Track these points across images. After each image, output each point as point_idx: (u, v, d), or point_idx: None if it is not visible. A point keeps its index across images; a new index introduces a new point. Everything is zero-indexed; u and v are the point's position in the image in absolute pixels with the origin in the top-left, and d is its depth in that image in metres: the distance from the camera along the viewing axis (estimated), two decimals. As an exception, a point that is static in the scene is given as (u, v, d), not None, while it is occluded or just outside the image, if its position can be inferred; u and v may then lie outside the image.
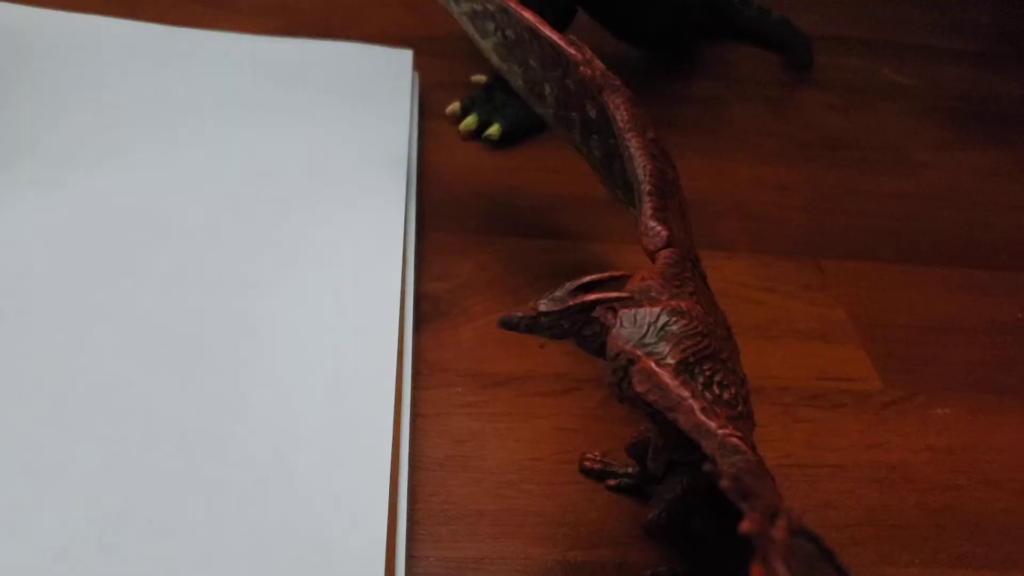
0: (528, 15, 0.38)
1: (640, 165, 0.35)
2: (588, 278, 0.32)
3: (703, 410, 0.28)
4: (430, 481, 0.35)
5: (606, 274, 0.32)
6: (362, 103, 0.49)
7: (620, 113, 0.36)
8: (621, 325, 0.30)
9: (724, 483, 0.22)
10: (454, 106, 0.52)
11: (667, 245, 0.34)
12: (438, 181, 0.49)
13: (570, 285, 0.32)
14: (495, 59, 0.41)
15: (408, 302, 0.40)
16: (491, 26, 0.40)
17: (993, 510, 0.38)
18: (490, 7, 0.40)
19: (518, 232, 0.47)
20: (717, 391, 0.29)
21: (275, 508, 0.31)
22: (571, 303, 0.31)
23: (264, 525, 0.31)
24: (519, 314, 0.32)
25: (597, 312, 0.31)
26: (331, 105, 0.49)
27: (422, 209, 0.47)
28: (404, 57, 0.53)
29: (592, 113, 0.39)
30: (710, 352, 0.30)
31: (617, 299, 0.31)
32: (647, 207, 0.35)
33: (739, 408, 0.29)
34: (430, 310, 0.42)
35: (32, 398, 0.33)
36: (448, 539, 0.33)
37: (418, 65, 0.54)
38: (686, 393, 0.28)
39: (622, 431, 0.38)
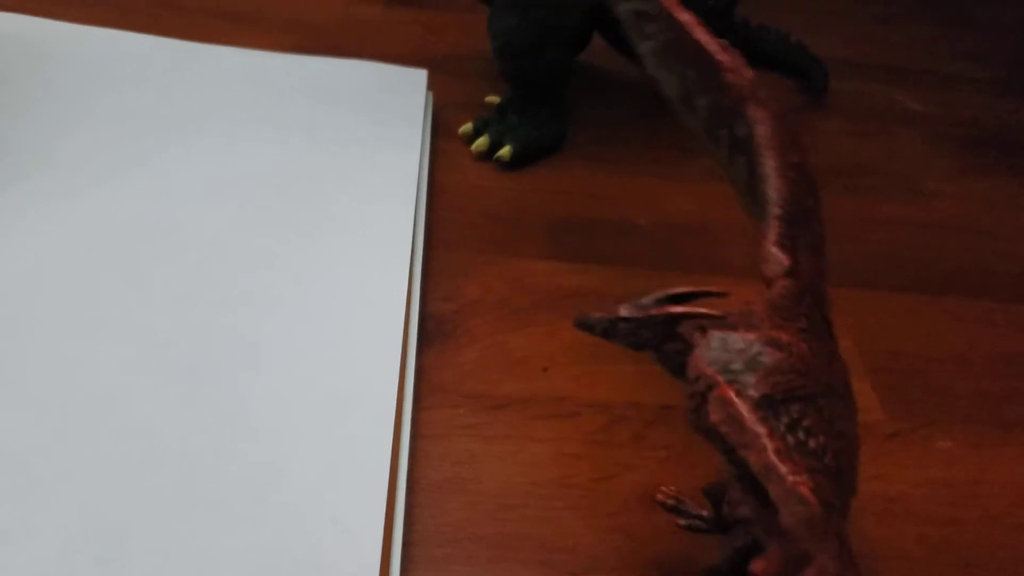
0: (686, 16, 0.36)
1: (773, 186, 0.32)
2: (682, 289, 0.30)
3: (777, 452, 0.25)
4: (427, 503, 0.35)
5: (703, 287, 0.30)
6: (375, 121, 0.50)
7: (761, 128, 0.33)
8: (708, 347, 0.27)
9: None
10: (467, 126, 0.53)
11: (787, 276, 0.31)
12: (448, 200, 0.49)
13: (660, 293, 0.30)
14: (651, 64, 0.38)
15: (413, 321, 0.41)
16: (652, 28, 0.37)
17: (992, 545, 0.37)
18: (653, 8, 0.37)
19: (526, 254, 0.47)
20: (802, 436, 0.26)
21: (271, 526, 0.31)
22: (655, 312, 0.29)
23: (260, 543, 0.31)
24: (597, 315, 0.30)
25: (683, 328, 0.29)
26: (344, 122, 0.49)
27: (431, 228, 0.47)
28: (419, 76, 0.54)
29: (741, 132, 0.35)
30: (803, 394, 0.27)
31: (707, 317, 0.28)
32: (772, 232, 0.32)
33: (825, 460, 0.27)
34: (435, 330, 0.42)
35: (33, 409, 0.34)
36: (443, 562, 0.33)
37: (432, 84, 0.55)
38: (763, 430, 0.26)
39: (624, 458, 0.38)
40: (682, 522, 0.34)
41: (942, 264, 0.52)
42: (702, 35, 0.35)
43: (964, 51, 0.75)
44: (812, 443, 0.26)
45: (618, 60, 0.59)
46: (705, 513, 0.33)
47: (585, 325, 0.31)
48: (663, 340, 0.29)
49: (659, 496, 0.34)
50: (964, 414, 0.43)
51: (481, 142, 0.52)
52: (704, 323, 0.28)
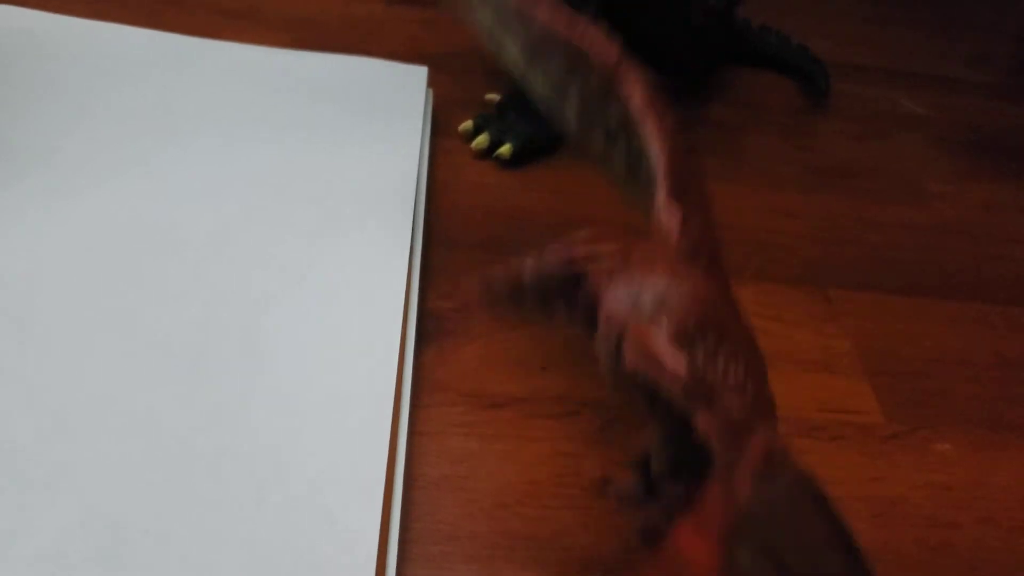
0: (543, 12, 0.36)
1: (657, 148, 0.32)
2: (583, 235, 0.29)
3: (699, 380, 0.25)
4: (425, 500, 0.35)
5: (599, 230, 0.29)
6: (375, 118, 0.50)
7: (635, 98, 0.33)
8: (615, 291, 0.27)
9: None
10: (467, 124, 0.53)
11: (683, 223, 0.30)
12: (447, 198, 0.49)
13: (561, 242, 0.29)
14: (519, 67, 0.39)
15: (411, 319, 0.41)
16: (511, 31, 0.39)
17: (990, 548, 0.37)
18: (506, 10, 0.38)
19: (525, 252, 0.47)
20: (723, 364, 0.26)
21: (270, 521, 0.31)
22: (560, 256, 0.28)
23: (258, 538, 0.31)
24: (501, 276, 0.29)
25: (590, 277, 0.28)
26: (344, 119, 0.49)
27: (430, 226, 0.47)
28: (419, 73, 0.54)
29: (615, 114, 0.35)
30: (714, 323, 0.26)
31: (612, 258, 0.28)
32: (663, 187, 0.31)
33: (748, 393, 0.26)
34: (434, 328, 0.42)
35: (34, 405, 0.33)
36: (439, 559, 0.33)
37: (433, 82, 0.54)
38: (681, 361, 0.25)
39: (621, 457, 0.38)
40: (610, 489, 0.33)
41: (942, 267, 0.52)
42: (562, 25, 0.35)
43: (966, 55, 0.75)
44: (731, 375, 0.26)
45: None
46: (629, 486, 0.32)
47: (488, 287, 0.30)
48: (571, 291, 0.28)
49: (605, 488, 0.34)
50: (963, 416, 0.43)
51: (481, 140, 0.52)
52: (609, 269, 0.28)
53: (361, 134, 0.49)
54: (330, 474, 0.33)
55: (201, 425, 0.34)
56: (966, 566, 0.37)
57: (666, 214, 0.30)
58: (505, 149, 0.51)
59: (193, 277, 0.39)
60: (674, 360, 0.25)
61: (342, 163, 0.47)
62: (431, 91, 0.54)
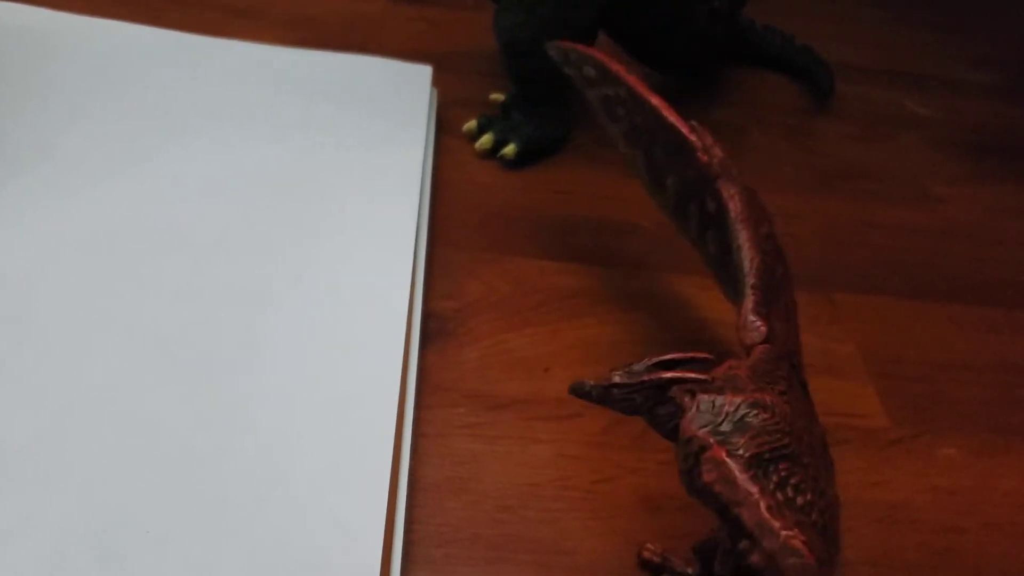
0: (655, 100, 0.38)
1: (747, 257, 0.35)
2: (670, 356, 0.31)
3: (769, 508, 0.27)
4: (428, 502, 0.35)
5: (689, 354, 0.31)
6: (379, 117, 0.50)
7: (734, 203, 0.36)
8: (697, 409, 0.29)
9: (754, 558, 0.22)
10: (471, 124, 0.53)
11: (765, 341, 0.33)
12: (451, 198, 0.49)
13: (649, 360, 0.31)
14: (622, 144, 0.41)
15: (415, 320, 0.40)
16: (621, 111, 0.40)
17: (994, 554, 0.37)
18: (621, 92, 0.39)
19: (529, 253, 0.47)
20: (791, 493, 0.28)
21: (272, 523, 0.31)
22: (646, 378, 0.30)
23: (260, 539, 0.31)
24: (591, 383, 0.31)
25: (674, 392, 0.30)
26: (348, 118, 0.49)
27: (433, 226, 0.47)
28: (423, 73, 0.53)
29: (711, 207, 0.38)
30: (789, 452, 0.28)
31: (696, 381, 0.30)
32: (749, 300, 0.34)
33: (813, 517, 0.28)
34: (437, 329, 0.42)
35: (35, 402, 0.33)
36: (442, 562, 0.33)
37: (437, 81, 0.54)
38: (754, 488, 0.27)
39: (624, 459, 0.38)
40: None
41: (947, 270, 0.52)
42: (673, 117, 0.38)
43: (971, 57, 0.74)
44: (800, 500, 0.28)
45: (623, 60, 0.59)
46: (691, 571, 0.34)
47: (581, 392, 0.32)
48: (655, 404, 0.31)
49: (644, 554, 0.34)
50: (968, 421, 0.43)
51: (485, 140, 0.52)
52: (692, 387, 0.30)
53: (365, 133, 0.48)
54: (334, 475, 0.33)
55: (203, 425, 0.34)
56: (971, 571, 0.36)
57: (750, 332, 0.33)
58: (509, 149, 0.51)
59: (194, 276, 0.39)
60: (747, 488, 0.27)
61: (346, 162, 0.46)
62: (435, 90, 0.54)
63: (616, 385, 0.31)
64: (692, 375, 0.30)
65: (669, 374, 0.30)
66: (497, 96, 0.55)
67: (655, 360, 0.31)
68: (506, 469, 0.37)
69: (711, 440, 0.28)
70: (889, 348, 0.46)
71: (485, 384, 0.40)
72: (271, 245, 0.41)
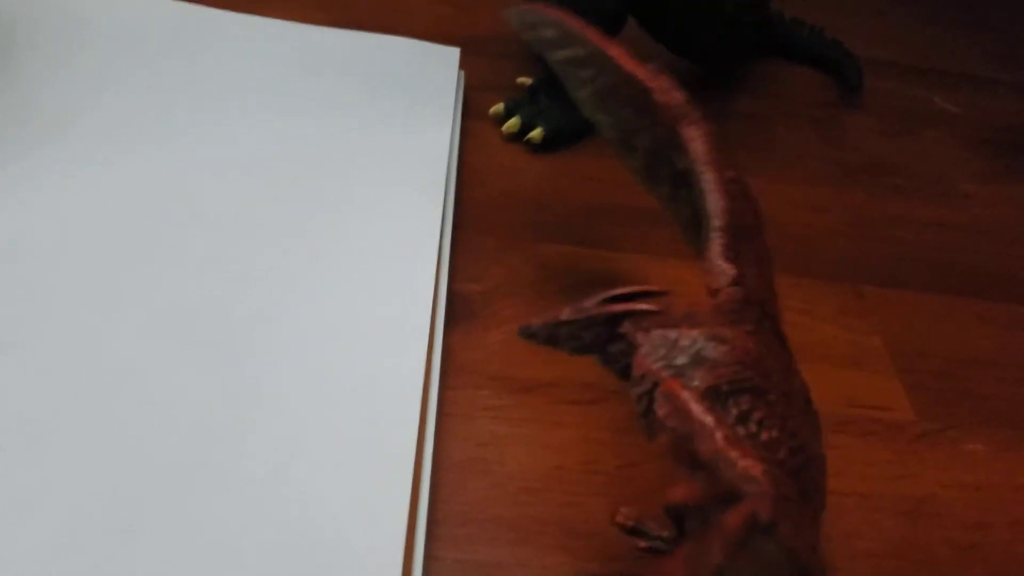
0: (614, 51, 0.36)
1: (713, 200, 0.32)
2: (621, 290, 0.29)
3: (726, 439, 0.24)
4: (451, 482, 0.35)
5: (642, 287, 0.30)
6: (406, 98, 0.49)
7: (695, 145, 0.33)
8: (651, 344, 0.27)
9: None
10: (497, 107, 0.52)
11: (732, 285, 0.30)
12: (477, 182, 0.49)
13: (599, 296, 0.29)
14: (589, 108, 0.39)
15: (440, 301, 0.40)
16: (587, 73, 0.39)
17: (1020, 551, 0.37)
18: (584, 52, 0.38)
19: (554, 238, 0.46)
20: (753, 428, 0.26)
21: (295, 500, 0.31)
22: (594, 312, 0.29)
23: (283, 518, 0.31)
24: (539, 322, 0.30)
25: (626, 328, 0.28)
26: (375, 98, 0.49)
27: (459, 209, 0.46)
28: (451, 55, 0.53)
29: (680, 164, 0.36)
30: (751, 386, 0.26)
31: (648, 313, 0.28)
32: (715, 243, 0.31)
33: (779, 456, 0.26)
34: (461, 311, 0.41)
35: (53, 376, 0.33)
36: (465, 542, 0.33)
37: (464, 64, 0.54)
38: (709, 419, 0.25)
39: (649, 446, 0.37)
40: (643, 544, 0.33)
41: (973, 266, 0.52)
42: (631, 65, 0.36)
43: (1000, 55, 0.74)
44: (764, 435, 0.26)
45: (651, 46, 0.58)
46: (666, 533, 0.33)
47: (528, 333, 0.30)
48: (606, 341, 0.29)
49: (618, 518, 0.34)
50: (993, 417, 0.42)
51: (512, 123, 0.51)
52: (648, 324, 0.28)
53: (392, 114, 0.48)
54: (358, 453, 0.33)
55: (225, 403, 0.34)
56: (997, 568, 0.36)
57: (714, 271, 0.30)
58: (536, 133, 0.51)
59: (217, 253, 0.39)
60: (701, 418, 0.25)
61: (372, 142, 0.46)
62: (463, 73, 0.53)
63: (563, 322, 0.29)
64: (643, 306, 0.28)
65: (619, 307, 0.29)
66: (525, 80, 0.55)
67: (605, 295, 0.29)
68: (530, 451, 0.36)
69: (664, 374, 0.26)
70: (915, 342, 0.45)
71: (509, 367, 0.40)
72: (296, 223, 0.41)
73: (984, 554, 0.37)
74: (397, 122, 0.48)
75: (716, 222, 0.32)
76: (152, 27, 0.50)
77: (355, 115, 0.48)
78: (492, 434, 0.37)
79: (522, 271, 0.44)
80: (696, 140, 0.34)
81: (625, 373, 0.29)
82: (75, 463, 0.31)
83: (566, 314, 0.29)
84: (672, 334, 0.27)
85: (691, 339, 0.27)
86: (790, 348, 0.31)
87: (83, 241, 0.38)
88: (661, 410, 0.26)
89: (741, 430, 0.26)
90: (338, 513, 0.31)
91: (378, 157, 0.45)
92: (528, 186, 0.49)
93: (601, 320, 0.29)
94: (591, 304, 0.29)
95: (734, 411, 0.26)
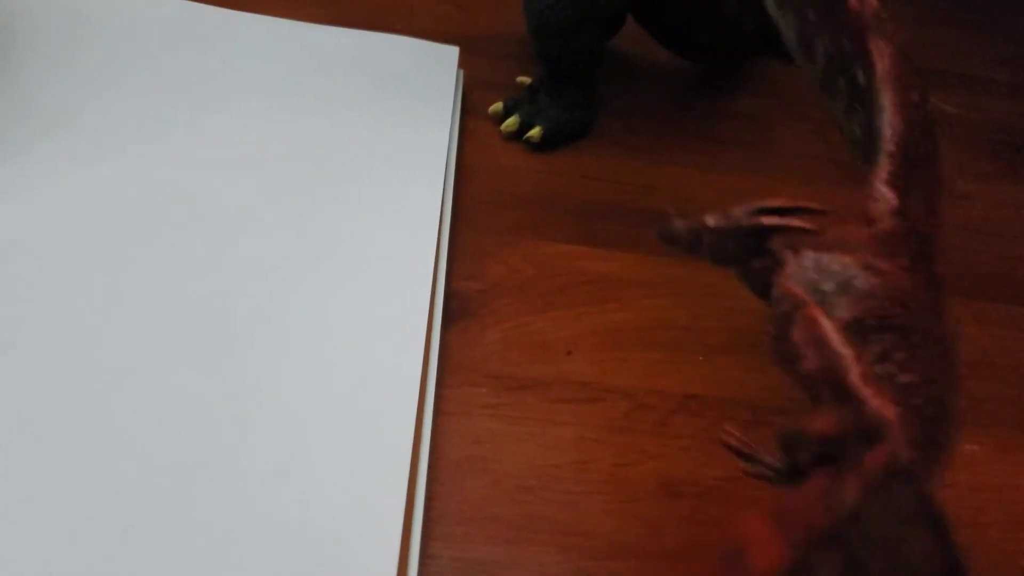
0: None
1: (888, 122, 0.29)
2: (775, 201, 0.27)
3: (863, 376, 0.23)
4: (447, 480, 0.35)
5: (800, 202, 0.27)
6: (405, 97, 0.49)
7: (882, 62, 0.30)
8: (799, 265, 0.25)
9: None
10: (496, 106, 0.52)
11: (894, 215, 0.27)
12: (475, 180, 0.49)
13: (752, 204, 0.27)
14: (771, 5, 0.36)
15: (438, 299, 0.40)
16: None
17: (1016, 551, 0.37)
18: None
19: (552, 237, 0.46)
20: (893, 369, 0.24)
21: (292, 497, 0.31)
22: (745, 223, 0.27)
23: (280, 514, 0.31)
24: (682, 224, 0.28)
25: (774, 243, 0.26)
26: (374, 97, 0.49)
27: (457, 207, 0.46)
28: (450, 53, 0.53)
29: (862, 79, 0.32)
30: (899, 324, 0.24)
31: (802, 232, 0.26)
32: (882, 169, 0.28)
33: (916, 402, 0.23)
34: (459, 309, 0.41)
35: (57, 371, 0.33)
36: (462, 540, 0.33)
37: (464, 63, 0.54)
38: (847, 351, 0.23)
39: (646, 444, 0.37)
40: (748, 468, 0.31)
41: (971, 267, 0.52)
42: None
43: (999, 56, 0.74)
44: (904, 378, 0.24)
45: (650, 46, 0.58)
46: (771, 460, 0.30)
47: (668, 234, 0.28)
48: (751, 255, 0.27)
49: (725, 436, 0.31)
50: (991, 418, 0.42)
51: (511, 122, 0.51)
52: (797, 241, 0.26)
53: (391, 112, 0.48)
54: (355, 451, 0.33)
55: (225, 399, 0.34)
56: (993, 568, 0.36)
57: (877, 199, 0.28)
58: (535, 132, 0.51)
59: (217, 250, 0.39)
60: (840, 350, 0.23)
61: (371, 140, 0.46)
62: (462, 71, 0.53)
63: (709, 228, 0.27)
64: (798, 223, 0.26)
65: (772, 220, 0.26)
66: (524, 79, 0.55)
67: (759, 205, 0.27)
68: (526, 450, 0.36)
69: (808, 298, 0.24)
70: (913, 343, 0.45)
71: (507, 365, 0.40)
72: (295, 221, 0.41)
73: (981, 554, 0.37)
74: (396, 121, 0.48)
75: (888, 146, 0.29)
76: (152, 25, 0.50)
77: (354, 114, 0.48)
78: (489, 432, 0.37)
79: (520, 269, 0.44)
80: (883, 55, 0.30)
81: (763, 292, 0.27)
82: (75, 463, 0.31)
83: (713, 220, 0.28)
84: (823, 257, 0.26)
85: (842, 265, 0.25)
86: (945, 293, 0.28)
87: (84, 240, 0.38)
88: (798, 336, 0.24)
89: (879, 369, 0.24)
90: (335, 510, 0.31)
91: (377, 155, 0.45)
92: (527, 184, 0.49)
93: (750, 231, 0.27)
94: (742, 213, 0.28)
95: (876, 348, 0.24)
